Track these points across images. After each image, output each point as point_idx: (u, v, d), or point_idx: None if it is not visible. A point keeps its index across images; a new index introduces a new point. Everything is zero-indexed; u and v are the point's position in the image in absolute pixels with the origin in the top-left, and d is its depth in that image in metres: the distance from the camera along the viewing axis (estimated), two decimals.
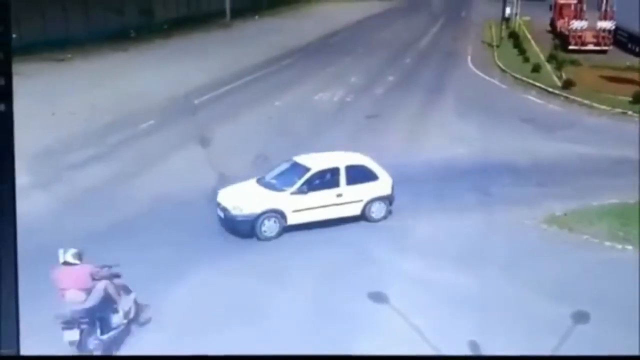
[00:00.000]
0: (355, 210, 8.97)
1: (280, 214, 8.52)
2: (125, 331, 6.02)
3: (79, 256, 5.80)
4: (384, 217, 9.15)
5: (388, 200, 9.21)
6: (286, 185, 8.77)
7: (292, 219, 8.60)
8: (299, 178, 8.76)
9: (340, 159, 9.21)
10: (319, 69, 20.57)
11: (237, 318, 6.48)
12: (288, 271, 7.59)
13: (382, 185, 9.14)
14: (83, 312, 5.62)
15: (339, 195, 8.84)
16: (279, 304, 6.83)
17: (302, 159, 9.22)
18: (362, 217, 9.03)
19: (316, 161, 9.12)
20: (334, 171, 8.95)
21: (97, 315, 5.74)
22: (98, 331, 5.76)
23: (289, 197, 8.62)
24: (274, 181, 8.95)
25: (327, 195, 8.77)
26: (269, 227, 8.48)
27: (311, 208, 8.65)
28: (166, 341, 5.97)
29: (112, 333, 5.86)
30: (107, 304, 5.86)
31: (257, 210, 8.43)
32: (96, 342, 5.72)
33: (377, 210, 9.11)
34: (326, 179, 8.90)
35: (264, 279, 7.34)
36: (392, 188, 9.23)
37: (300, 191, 8.66)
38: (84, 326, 5.59)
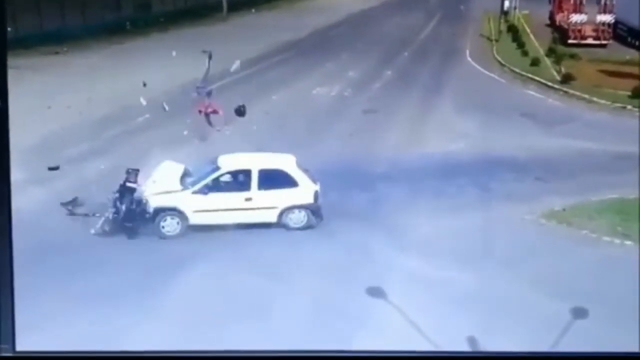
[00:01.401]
0: (269, 217, 8.39)
1: (179, 213, 8.17)
2: None
3: None
4: (307, 228, 8.49)
5: (309, 209, 8.50)
6: (194, 183, 8.45)
7: (195, 219, 8.22)
8: (206, 177, 8.41)
9: (256, 161, 8.64)
10: (317, 63, 20.43)
11: (237, 314, 6.47)
12: (289, 268, 7.58)
13: (302, 193, 8.47)
14: None
15: (248, 200, 8.30)
16: (280, 300, 6.82)
17: (222, 159, 8.74)
18: (280, 225, 8.43)
19: (230, 161, 8.63)
20: (246, 173, 8.43)
21: None
22: None
23: (190, 196, 8.26)
24: (190, 179, 8.62)
25: (232, 198, 8.25)
26: (169, 224, 8.18)
27: (214, 210, 8.20)
28: (168, 337, 5.96)
29: None
30: None
31: (151, 206, 8.18)
32: None
33: (296, 220, 8.47)
34: (235, 181, 8.43)
35: (264, 275, 7.32)
36: (316, 197, 8.54)
37: (200, 191, 8.27)
38: None
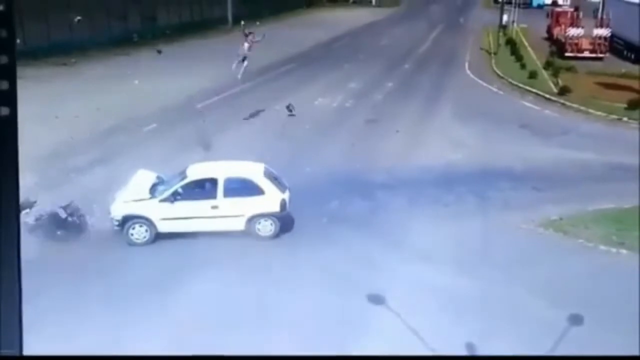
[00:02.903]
0: (237, 225, 8.40)
1: (147, 221, 8.27)
2: None
3: None
4: (275, 236, 8.49)
5: (276, 217, 8.49)
6: (162, 192, 8.55)
7: (162, 227, 8.32)
8: (173, 186, 8.52)
9: (222, 170, 8.69)
10: (319, 75, 20.75)
11: (238, 321, 6.59)
12: (289, 273, 7.70)
13: (268, 202, 8.45)
14: None
15: (215, 208, 8.34)
16: (279, 305, 6.94)
17: (191, 168, 8.84)
18: (248, 233, 8.43)
19: (198, 170, 8.74)
20: (212, 182, 8.49)
21: None
22: None
23: (157, 204, 8.35)
24: (161, 187, 8.74)
25: (198, 206, 8.31)
26: (137, 232, 8.29)
27: (181, 218, 8.28)
28: (172, 342, 6.06)
29: None
30: None
31: (120, 214, 8.34)
32: None
33: (263, 228, 8.47)
34: (201, 190, 8.51)
35: (265, 282, 7.45)
36: (283, 206, 8.49)
37: (167, 199, 8.35)
38: None
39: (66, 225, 8.52)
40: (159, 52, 13.42)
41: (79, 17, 12.58)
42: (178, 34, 26.11)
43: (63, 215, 8.56)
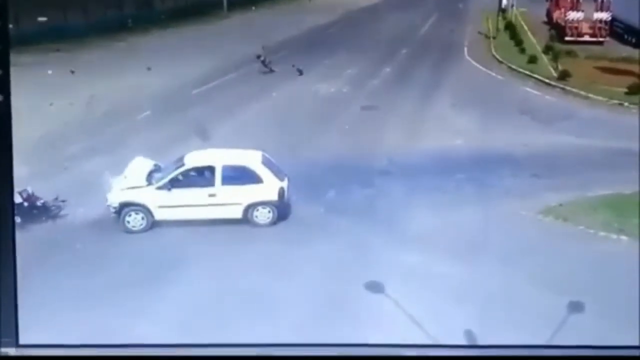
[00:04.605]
0: (234, 213, 8.35)
1: (143, 208, 8.20)
2: None
3: None
4: (273, 224, 8.45)
5: (274, 206, 8.44)
6: (159, 179, 8.47)
7: (160, 215, 8.25)
8: (170, 173, 8.45)
9: (220, 158, 8.60)
10: (316, 61, 20.47)
11: (236, 310, 6.57)
12: (289, 263, 7.67)
13: (266, 190, 8.40)
14: None
15: (212, 195, 8.28)
16: (279, 294, 6.92)
17: (189, 155, 8.75)
18: (245, 221, 8.37)
19: (195, 158, 8.65)
20: (210, 170, 8.42)
21: None
22: None
23: (154, 192, 8.27)
24: (157, 174, 8.66)
25: (196, 194, 8.26)
26: (134, 220, 8.22)
27: (179, 206, 8.21)
28: (170, 331, 6.05)
29: None
30: None
31: (116, 201, 8.27)
32: None
33: (261, 217, 8.43)
34: (198, 177, 8.44)
35: (263, 271, 7.42)
36: (281, 194, 8.45)
37: (164, 187, 8.28)
38: None
39: (23, 211, 8.34)
40: (149, 69, 14.99)
41: (44, 18, 12.90)
42: (173, 19, 25.71)
43: (18, 200, 8.35)
